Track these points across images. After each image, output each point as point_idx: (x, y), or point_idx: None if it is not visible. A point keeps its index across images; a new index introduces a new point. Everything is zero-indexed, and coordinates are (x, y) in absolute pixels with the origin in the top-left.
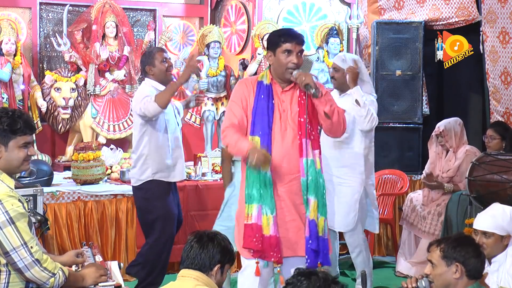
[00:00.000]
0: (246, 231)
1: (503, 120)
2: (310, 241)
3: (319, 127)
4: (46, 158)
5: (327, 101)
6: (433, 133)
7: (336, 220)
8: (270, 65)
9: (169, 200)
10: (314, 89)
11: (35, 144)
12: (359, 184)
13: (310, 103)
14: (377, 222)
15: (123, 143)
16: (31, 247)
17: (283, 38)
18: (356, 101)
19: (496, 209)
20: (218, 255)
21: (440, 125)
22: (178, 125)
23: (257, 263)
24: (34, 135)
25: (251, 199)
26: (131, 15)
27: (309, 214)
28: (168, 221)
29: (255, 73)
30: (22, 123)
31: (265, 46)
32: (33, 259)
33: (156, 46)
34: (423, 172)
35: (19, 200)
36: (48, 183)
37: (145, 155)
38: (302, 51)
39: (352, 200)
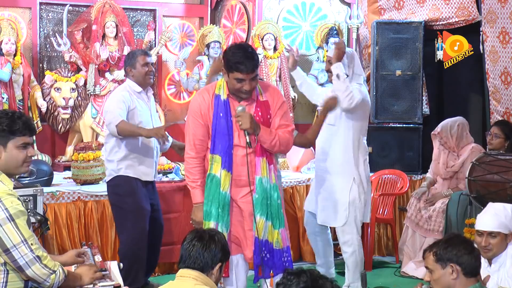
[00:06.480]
0: None
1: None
2: (254, 257)
3: None
4: (46, 158)
5: (264, 141)
6: (432, 133)
7: (326, 215)
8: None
9: (140, 195)
10: (249, 139)
11: (35, 145)
12: (348, 177)
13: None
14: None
15: None
16: (31, 244)
17: (235, 67)
18: (337, 75)
19: (497, 208)
20: (220, 254)
21: (439, 126)
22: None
23: None
24: (34, 137)
25: (209, 216)
26: (131, 15)
27: (255, 231)
28: (139, 217)
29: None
30: (21, 123)
31: (264, 46)
32: (34, 255)
33: (141, 49)
34: (428, 172)
35: (18, 199)
36: (48, 183)
37: (125, 151)
38: (256, 75)
39: (341, 194)
